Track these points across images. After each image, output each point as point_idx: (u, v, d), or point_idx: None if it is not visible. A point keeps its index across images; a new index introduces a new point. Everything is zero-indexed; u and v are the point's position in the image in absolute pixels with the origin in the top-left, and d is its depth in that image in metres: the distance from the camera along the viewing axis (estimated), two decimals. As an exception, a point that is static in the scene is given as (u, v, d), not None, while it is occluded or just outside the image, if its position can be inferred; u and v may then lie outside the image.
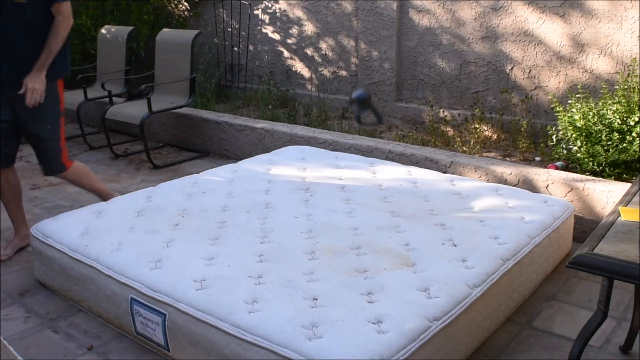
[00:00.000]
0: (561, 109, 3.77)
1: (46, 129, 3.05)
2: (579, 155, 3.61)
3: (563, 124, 3.71)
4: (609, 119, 3.55)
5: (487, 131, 4.77)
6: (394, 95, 5.41)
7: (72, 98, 5.32)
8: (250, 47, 6.42)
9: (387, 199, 3.07)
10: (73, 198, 4.06)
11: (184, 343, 2.18)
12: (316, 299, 2.12)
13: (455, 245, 2.53)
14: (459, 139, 4.61)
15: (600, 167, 3.53)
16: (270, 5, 6.16)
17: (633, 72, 3.96)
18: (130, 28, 5.60)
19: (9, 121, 3.00)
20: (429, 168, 3.73)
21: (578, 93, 4.26)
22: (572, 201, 3.27)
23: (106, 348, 2.39)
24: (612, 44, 4.23)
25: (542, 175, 3.40)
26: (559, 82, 4.53)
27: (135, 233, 2.70)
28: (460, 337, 2.17)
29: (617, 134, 3.50)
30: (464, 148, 4.38)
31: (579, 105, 3.70)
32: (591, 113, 3.61)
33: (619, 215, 2.04)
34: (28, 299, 2.77)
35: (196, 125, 5.14)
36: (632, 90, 3.66)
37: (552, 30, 4.48)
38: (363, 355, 1.82)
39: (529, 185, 3.43)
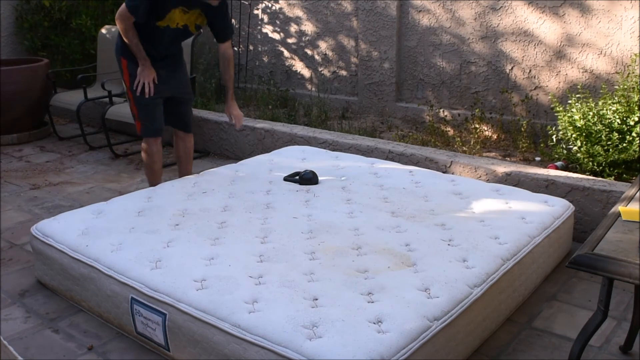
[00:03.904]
0: (561, 109, 3.77)
1: (191, 97, 3.91)
2: (579, 155, 3.61)
3: (563, 124, 3.71)
4: (609, 119, 3.55)
5: (487, 131, 4.77)
6: (394, 95, 5.41)
7: (72, 98, 5.33)
8: (250, 47, 6.42)
9: (388, 199, 3.07)
10: (73, 198, 4.06)
11: (184, 343, 2.18)
12: (316, 299, 2.12)
13: (455, 245, 2.53)
14: (459, 139, 4.61)
15: (600, 167, 3.54)
16: (270, 5, 6.16)
17: (633, 72, 3.97)
18: (130, 28, 5.59)
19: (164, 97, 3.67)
20: (429, 168, 3.74)
21: (578, 93, 4.26)
22: (572, 201, 3.27)
23: (106, 348, 2.39)
24: (612, 44, 4.24)
25: (542, 175, 3.40)
26: (559, 82, 4.53)
27: (135, 233, 2.70)
28: (460, 337, 2.17)
29: (617, 134, 3.51)
30: (464, 148, 4.39)
31: (579, 105, 3.71)
32: (591, 113, 3.61)
33: (619, 215, 2.04)
34: (28, 299, 2.77)
35: (196, 125, 5.13)
36: (631, 90, 3.66)
37: (552, 30, 4.48)
38: (363, 355, 1.83)
39: (529, 185, 3.43)
